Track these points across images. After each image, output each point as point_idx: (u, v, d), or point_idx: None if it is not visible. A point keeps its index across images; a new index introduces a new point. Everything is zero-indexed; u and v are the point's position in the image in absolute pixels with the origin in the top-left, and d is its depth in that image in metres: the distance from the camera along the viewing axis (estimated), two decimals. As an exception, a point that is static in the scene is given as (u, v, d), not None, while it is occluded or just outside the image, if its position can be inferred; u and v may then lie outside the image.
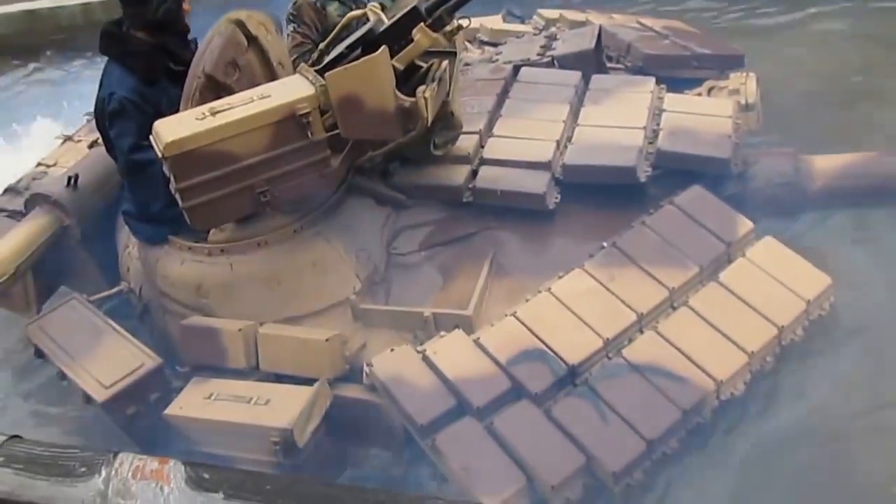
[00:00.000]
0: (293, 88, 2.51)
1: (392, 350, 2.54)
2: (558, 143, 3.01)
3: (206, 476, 1.62)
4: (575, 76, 3.37)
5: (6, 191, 3.71)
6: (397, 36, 2.53)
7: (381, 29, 2.56)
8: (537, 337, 2.48)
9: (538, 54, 3.54)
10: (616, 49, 3.85)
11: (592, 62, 3.46)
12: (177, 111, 2.80)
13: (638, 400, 2.33)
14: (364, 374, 2.53)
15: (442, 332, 2.58)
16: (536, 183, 2.88)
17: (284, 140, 2.48)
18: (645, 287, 2.61)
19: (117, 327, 2.90)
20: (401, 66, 2.55)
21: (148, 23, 2.83)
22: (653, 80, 3.35)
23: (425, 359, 2.47)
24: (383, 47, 2.43)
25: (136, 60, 2.83)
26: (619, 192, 2.93)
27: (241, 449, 2.47)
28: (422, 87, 2.57)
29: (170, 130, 2.38)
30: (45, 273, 3.33)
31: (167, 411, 2.57)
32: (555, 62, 3.49)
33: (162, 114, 2.80)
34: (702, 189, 2.89)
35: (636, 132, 3.02)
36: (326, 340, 2.54)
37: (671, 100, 3.22)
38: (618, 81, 3.39)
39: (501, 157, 2.98)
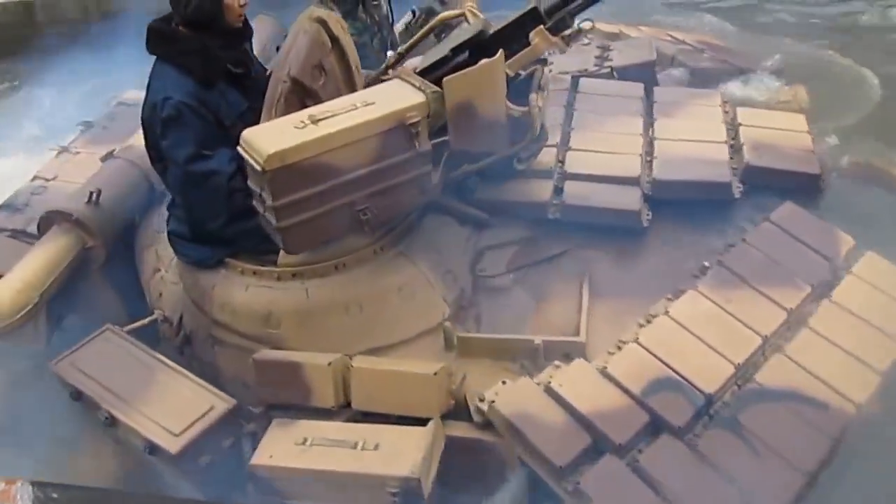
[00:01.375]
0: (400, 95, 2.26)
1: (505, 383, 2.30)
2: (641, 157, 2.87)
3: (55, 496, 1.66)
4: (638, 88, 3.24)
5: (1, 207, 3.26)
6: (511, 39, 2.31)
7: (493, 31, 2.34)
8: (667, 365, 2.30)
9: (595, 65, 3.40)
10: (659, 63, 3.75)
11: (653, 74, 3.35)
12: (241, 118, 2.52)
13: (785, 429, 2.19)
14: (474, 410, 2.29)
15: (556, 362, 2.37)
16: (629, 199, 2.72)
17: (390, 151, 2.23)
18: (762, 308, 2.49)
19: (170, 363, 2.55)
20: (511, 73, 2.34)
21: (182, 19, 2.50)
22: (718, 93, 3.26)
23: (549, 391, 2.25)
24: (500, 51, 2.22)
25: (192, 60, 2.48)
26: (704, 208, 2.80)
27: (350, 502, 2.18)
28: (533, 96, 2.37)
29: (269, 141, 2.09)
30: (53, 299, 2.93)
31: (254, 461, 2.24)
32: (614, 73, 3.35)
33: (221, 121, 2.50)
34: (795, 205, 2.80)
35: (720, 147, 2.91)
36: (434, 374, 2.28)
37: (744, 114, 3.12)
38: (683, 94, 3.29)
39: (586, 172, 2.80)
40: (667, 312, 2.45)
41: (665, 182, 2.77)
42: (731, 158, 2.91)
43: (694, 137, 2.94)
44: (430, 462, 2.14)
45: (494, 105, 2.28)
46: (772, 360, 2.38)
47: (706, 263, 2.62)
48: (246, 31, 2.63)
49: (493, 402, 2.22)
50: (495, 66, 2.21)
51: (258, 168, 2.09)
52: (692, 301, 2.49)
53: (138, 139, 2.96)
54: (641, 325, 2.45)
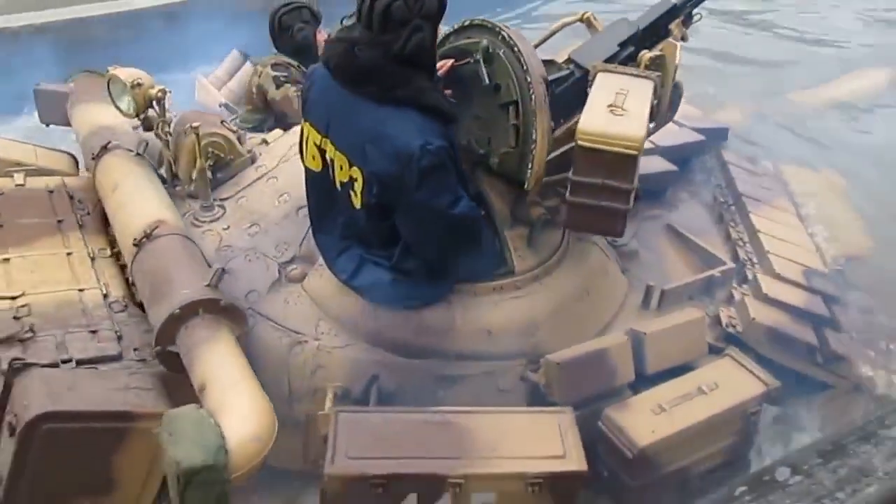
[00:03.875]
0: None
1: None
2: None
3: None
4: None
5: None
6: (653, 35, 2.72)
7: (643, 26, 2.70)
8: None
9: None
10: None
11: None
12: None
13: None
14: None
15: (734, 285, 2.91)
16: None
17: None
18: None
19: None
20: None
21: (395, 56, 2.10)
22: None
23: (767, 299, 2.81)
24: (678, 43, 2.63)
25: (434, 99, 2.15)
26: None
27: (712, 443, 2.36)
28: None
29: (627, 127, 2.13)
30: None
31: (642, 443, 2.22)
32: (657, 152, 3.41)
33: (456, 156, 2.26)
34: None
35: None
36: (700, 317, 2.60)
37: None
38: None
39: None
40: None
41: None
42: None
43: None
44: (759, 376, 2.49)
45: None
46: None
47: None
48: None
49: (753, 318, 2.66)
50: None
51: (635, 153, 2.12)
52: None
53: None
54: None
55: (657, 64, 2.59)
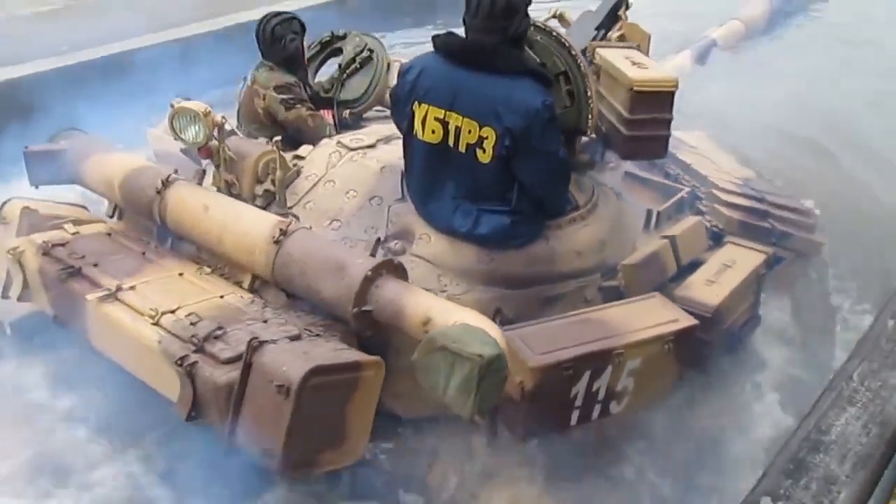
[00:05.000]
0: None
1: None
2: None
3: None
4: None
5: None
6: (611, 19, 3.55)
7: (606, 14, 3.52)
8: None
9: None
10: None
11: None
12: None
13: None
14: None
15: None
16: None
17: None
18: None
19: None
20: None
21: (510, 38, 2.74)
22: None
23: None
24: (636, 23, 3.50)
25: (538, 67, 2.83)
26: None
27: (740, 303, 3.20)
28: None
29: (662, 73, 3.00)
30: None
31: (715, 304, 2.97)
32: None
33: None
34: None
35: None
36: (699, 220, 3.47)
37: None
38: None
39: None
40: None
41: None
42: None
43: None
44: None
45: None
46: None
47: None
48: None
49: (730, 217, 3.56)
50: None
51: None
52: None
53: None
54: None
55: (622, 39, 3.43)
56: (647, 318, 2.79)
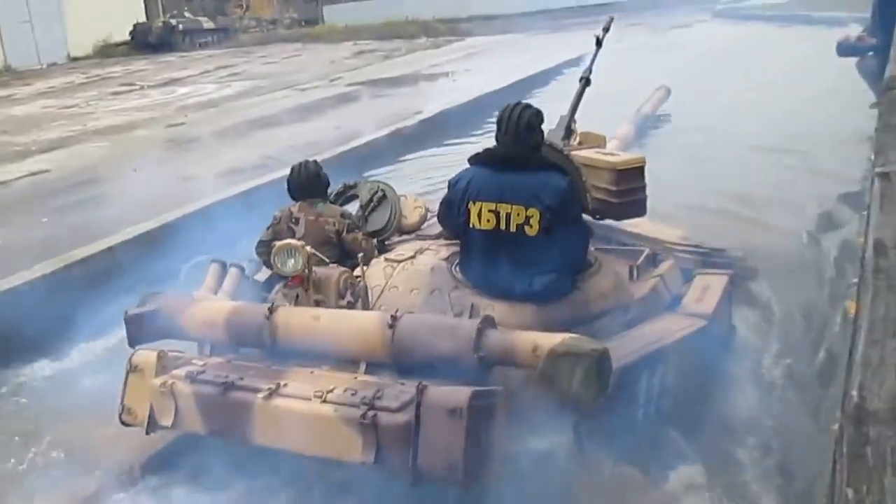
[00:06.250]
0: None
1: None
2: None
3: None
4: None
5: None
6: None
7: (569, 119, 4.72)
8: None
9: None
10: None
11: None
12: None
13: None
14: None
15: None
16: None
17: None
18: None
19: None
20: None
21: (538, 145, 3.86)
22: None
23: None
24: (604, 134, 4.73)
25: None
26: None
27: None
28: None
29: (630, 156, 4.10)
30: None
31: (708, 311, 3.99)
32: None
33: None
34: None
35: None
36: (674, 263, 4.55)
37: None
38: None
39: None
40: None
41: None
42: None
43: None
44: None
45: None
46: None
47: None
48: None
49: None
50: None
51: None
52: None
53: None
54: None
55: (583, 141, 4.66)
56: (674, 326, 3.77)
